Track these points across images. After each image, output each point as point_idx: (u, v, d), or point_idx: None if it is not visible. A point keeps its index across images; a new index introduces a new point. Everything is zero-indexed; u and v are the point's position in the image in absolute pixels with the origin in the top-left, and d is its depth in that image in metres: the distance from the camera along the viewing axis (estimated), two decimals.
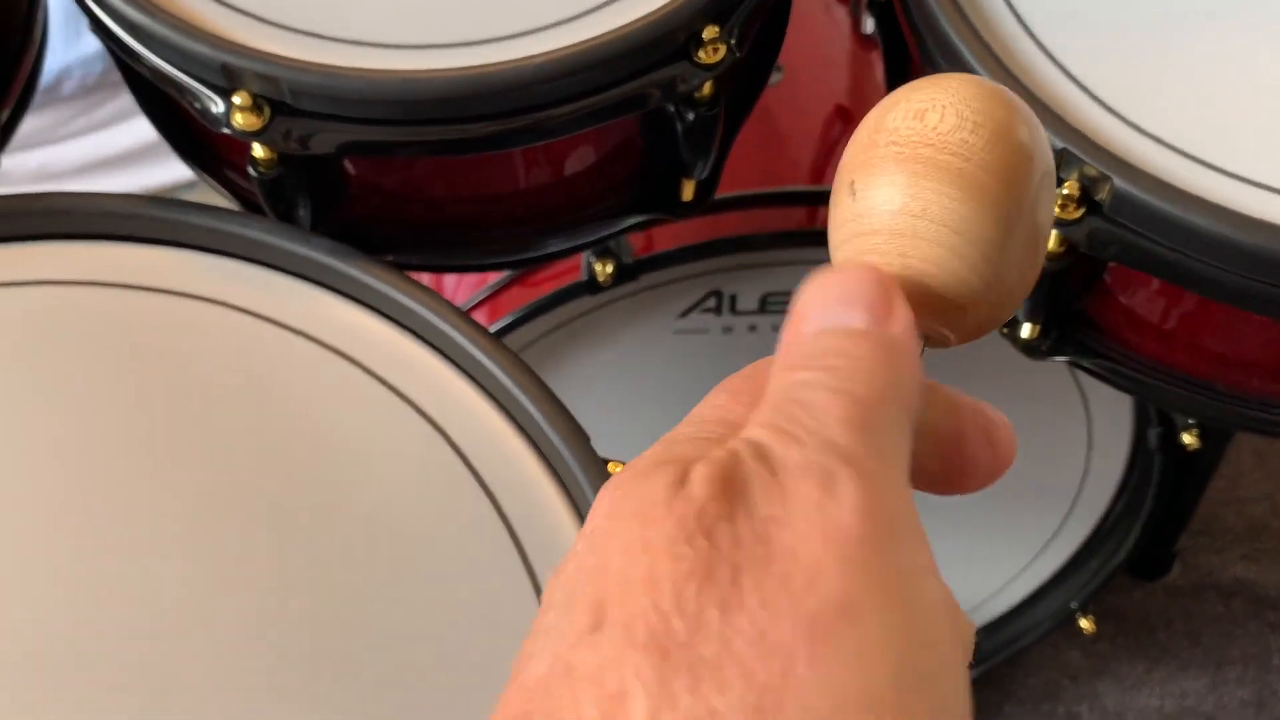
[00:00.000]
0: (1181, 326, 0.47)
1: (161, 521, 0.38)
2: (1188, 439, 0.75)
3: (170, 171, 0.96)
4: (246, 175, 0.44)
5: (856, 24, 0.80)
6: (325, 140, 0.41)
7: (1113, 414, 0.77)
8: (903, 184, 0.22)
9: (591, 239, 0.54)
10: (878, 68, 0.56)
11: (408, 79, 0.40)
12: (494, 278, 0.73)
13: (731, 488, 0.17)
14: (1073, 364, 0.50)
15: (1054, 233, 0.42)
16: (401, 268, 0.50)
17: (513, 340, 0.73)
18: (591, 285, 0.66)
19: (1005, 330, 0.49)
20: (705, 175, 0.50)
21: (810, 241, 0.69)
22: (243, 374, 0.41)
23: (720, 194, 0.70)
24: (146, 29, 0.42)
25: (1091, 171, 0.40)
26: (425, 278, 0.79)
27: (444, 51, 0.42)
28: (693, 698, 0.15)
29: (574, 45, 0.41)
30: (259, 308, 0.42)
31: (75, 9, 0.47)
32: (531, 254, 0.54)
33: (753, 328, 0.72)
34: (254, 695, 0.34)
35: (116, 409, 0.40)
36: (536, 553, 0.37)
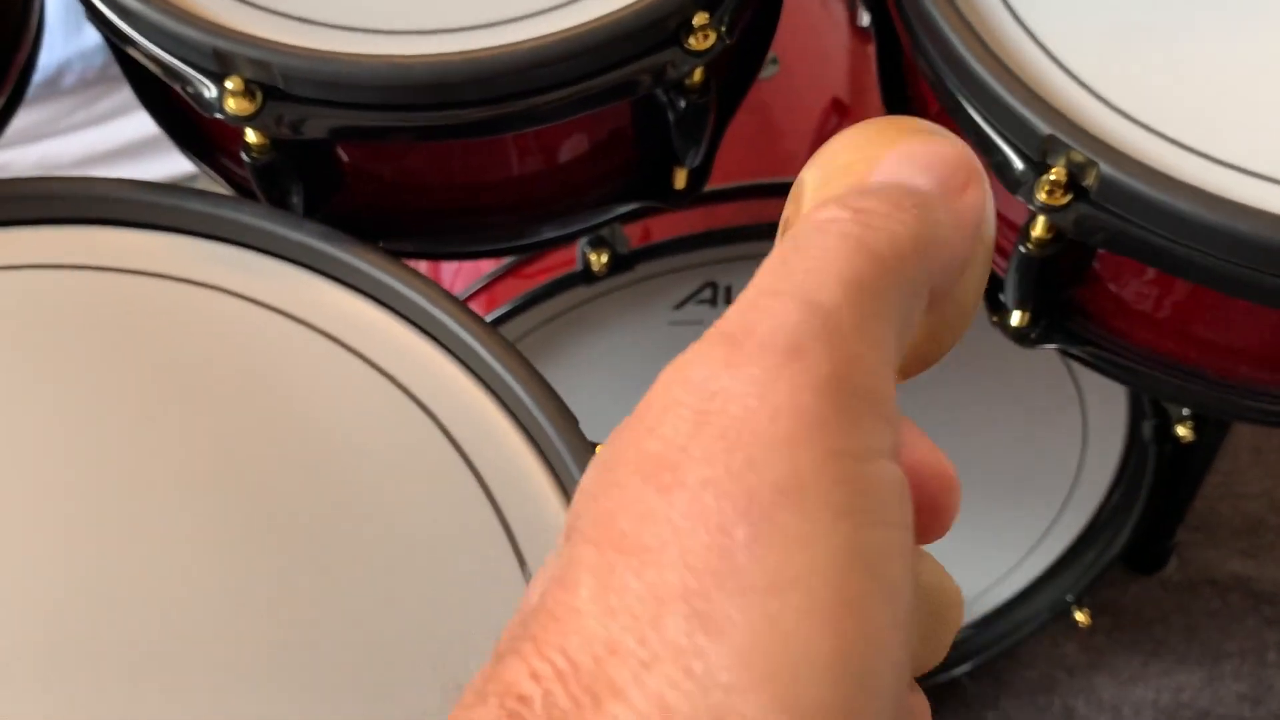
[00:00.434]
0: (1171, 314, 0.47)
1: (153, 505, 0.38)
2: (1182, 431, 0.75)
3: (170, 165, 0.96)
4: (242, 163, 0.44)
5: (853, 17, 0.80)
6: (317, 125, 0.42)
7: (1107, 406, 0.78)
8: None
9: (585, 226, 0.54)
10: (874, 60, 0.56)
11: (399, 64, 0.41)
12: (490, 268, 0.74)
13: (680, 372, 0.16)
14: (1062, 352, 0.50)
15: (1042, 219, 0.43)
16: (396, 255, 0.51)
17: (509, 330, 0.73)
18: (587, 275, 0.67)
19: (995, 318, 0.50)
20: (697, 164, 0.50)
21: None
22: (235, 358, 0.41)
23: (716, 185, 0.70)
24: (140, 14, 0.42)
25: (1078, 157, 0.41)
26: (423, 267, 0.80)
27: (436, 37, 0.42)
28: (639, 581, 0.15)
29: (565, 30, 0.41)
30: (252, 292, 0.42)
31: (75, 3, 0.47)
32: (526, 241, 0.55)
33: None
34: (242, 677, 0.35)
35: (109, 393, 0.40)
36: (524, 535, 0.37)
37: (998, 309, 0.49)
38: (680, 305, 0.73)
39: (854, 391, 0.16)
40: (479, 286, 0.75)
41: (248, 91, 0.41)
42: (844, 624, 0.15)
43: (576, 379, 0.77)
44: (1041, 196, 0.41)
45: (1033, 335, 0.49)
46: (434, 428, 0.39)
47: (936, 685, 0.90)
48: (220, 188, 0.51)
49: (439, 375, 0.41)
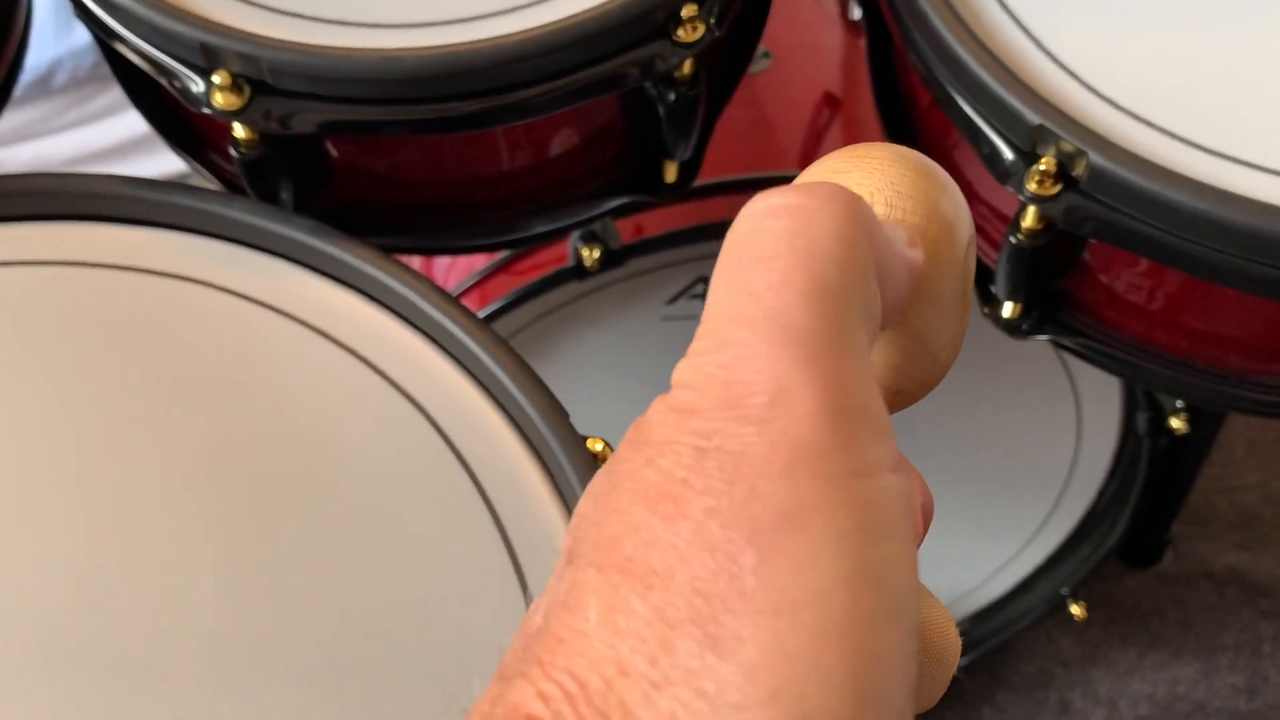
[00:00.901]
0: (1163, 304, 0.47)
1: (142, 502, 0.38)
2: (1176, 423, 0.75)
3: (163, 163, 0.96)
4: (231, 159, 0.44)
5: (845, 10, 0.80)
6: (306, 120, 0.42)
7: (1101, 399, 0.78)
8: None
9: (576, 221, 0.54)
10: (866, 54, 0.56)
11: (387, 57, 0.41)
12: (482, 264, 0.74)
13: (679, 414, 0.17)
14: (1054, 343, 0.50)
15: (1032, 209, 0.43)
16: (388, 250, 0.51)
17: (501, 326, 0.73)
18: (578, 271, 0.67)
19: (987, 310, 0.49)
20: (688, 157, 0.50)
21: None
22: (226, 355, 0.41)
23: (708, 179, 0.70)
24: (127, 9, 0.42)
25: (1068, 147, 0.41)
26: (415, 263, 0.80)
27: (424, 30, 0.42)
28: (645, 604, 0.15)
29: (553, 23, 0.41)
30: (242, 288, 0.42)
31: (65, 2, 0.47)
32: (517, 235, 0.54)
33: None
34: (232, 671, 0.35)
35: (100, 389, 0.40)
36: (516, 529, 0.37)
37: (989, 301, 0.49)
38: (673, 300, 0.73)
39: (845, 411, 0.16)
40: (471, 283, 0.75)
41: (235, 86, 0.41)
42: (853, 641, 0.15)
43: (570, 374, 0.77)
44: (1031, 187, 0.41)
45: (1024, 327, 0.49)
46: (425, 423, 0.39)
47: None
48: (211, 185, 0.51)
49: (430, 371, 0.41)
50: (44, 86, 0.97)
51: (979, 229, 0.51)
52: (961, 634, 0.93)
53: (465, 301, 0.75)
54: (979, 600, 0.88)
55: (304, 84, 0.41)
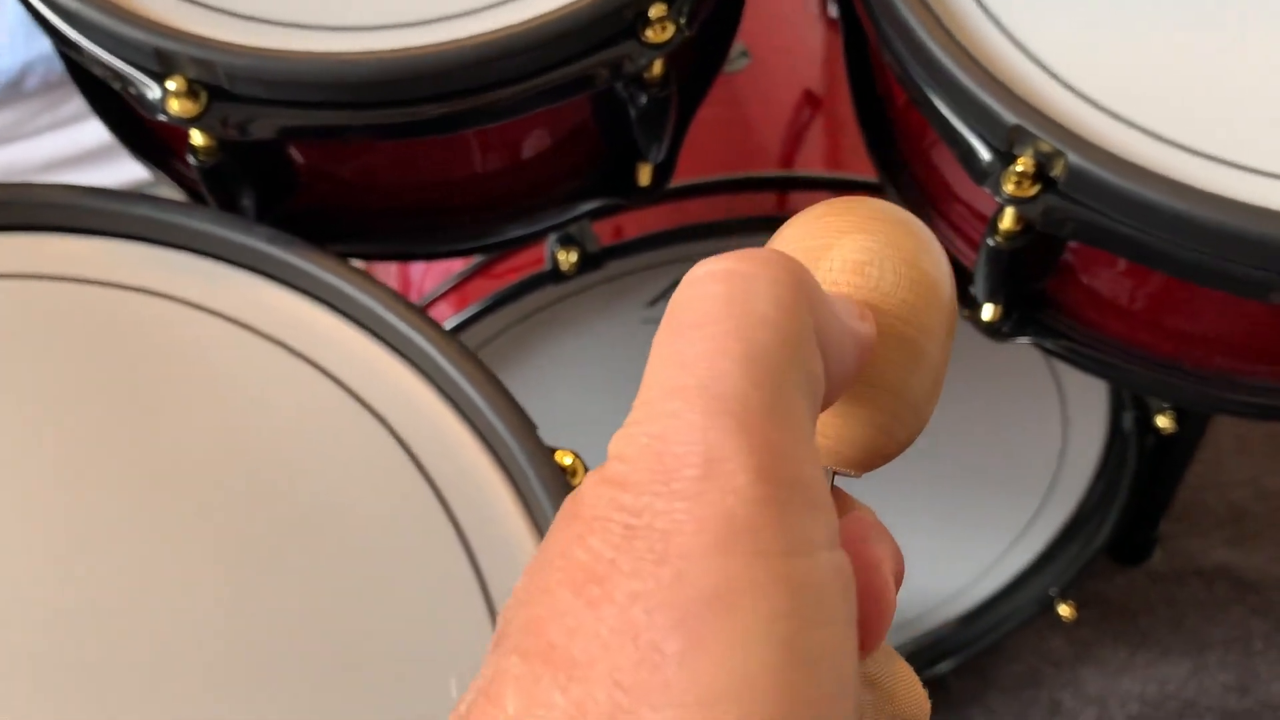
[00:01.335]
0: (1144, 305, 0.46)
1: (100, 516, 0.37)
2: (1163, 422, 0.75)
3: (139, 168, 0.95)
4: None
5: (825, 7, 0.79)
6: (265, 125, 0.41)
7: (1088, 398, 0.77)
8: None
9: (551, 224, 0.53)
10: None
11: (347, 61, 0.40)
12: (460, 267, 0.73)
13: (611, 487, 0.16)
14: (1036, 345, 0.49)
15: (1010, 211, 0.42)
16: (360, 256, 0.49)
17: (480, 330, 0.72)
18: (555, 274, 0.66)
19: (967, 313, 0.49)
20: (662, 159, 0.49)
21: (779, 227, 0.68)
22: (185, 367, 0.40)
23: (687, 180, 0.69)
24: (79, 14, 0.41)
25: (1045, 147, 0.40)
26: (392, 266, 0.78)
27: (386, 32, 0.41)
28: (565, 697, 0.15)
29: (516, 25, 0.40)
30: (201, 299, 0.41)
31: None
32: (491, 240, 0.53)
33: None
34: (189, 686, 0.34)
35: (56, 403, 0.39)
36: (480, 542, 0.36)
37: (969, 303, 0.48)
38: (654, 302, 0.72)
39: (779, 484, 0.16)
40: (449, 286, 0.74)
41: (191, 92, 0.40)
42: None
43: (551, 378, 0.76)
44: (1009, 188, 0.40)
45: (1005, 329, 0.48)
46: (388, 436, 0.38)
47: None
48: (175, 193, 0.50)
49: (394, 382, 0.40)
50: (16, 90, 0.95)
51: (957, 229, 0.50)
52: (950, 636, 0.92)
53: (443, 305, 0.74)
54: (967, 602, 0.88)
55: (262, 89, 0.40)
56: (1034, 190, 0.40)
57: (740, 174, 0.70)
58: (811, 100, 0.77)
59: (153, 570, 0.36)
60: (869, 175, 0.56)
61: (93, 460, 0.38)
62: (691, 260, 0.64)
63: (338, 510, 0.37)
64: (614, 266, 0.68)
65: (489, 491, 0.37)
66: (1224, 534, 1.07)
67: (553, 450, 0.38)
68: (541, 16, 0.41)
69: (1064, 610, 0.88)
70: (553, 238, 0.64)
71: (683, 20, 0.43)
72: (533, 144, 0.49)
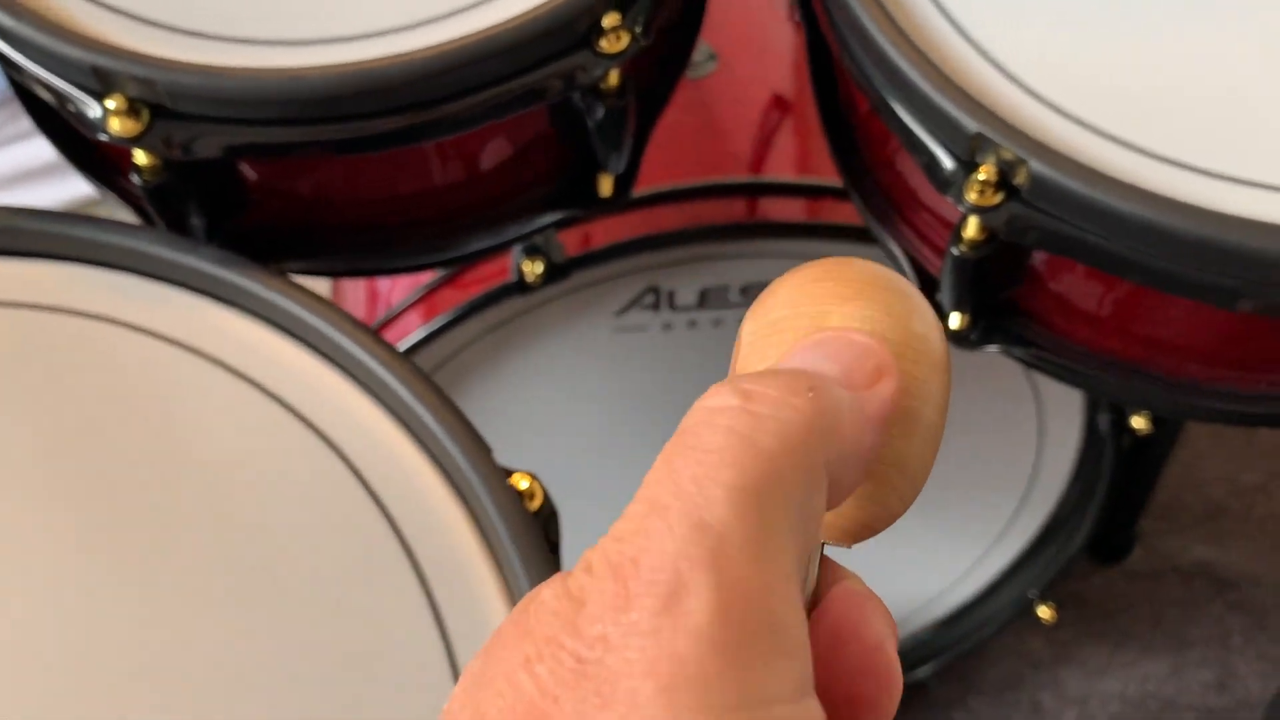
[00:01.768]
0: (1112, 312, 0.46)
1: (42, 540, 0.36)
2: (1138, 423, 0.74)
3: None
4: None
5: (794, 10, 0.78)
6: (209, 144, 0.39)
7: (1063, 401, 0.76)
8: None
9: (513, 237, 0.52)
10: None
11: (293, 77, 0.38)
12: (428, 277, 0.72)
13: (570, 604, 0.15)
14: (1004, 353, 0.48)
15: (973, 220, 0.41)
16: (321, 274, 0.48)
17: (449, 340, 0.71)
18: (521, 286, 0.65)
19: None
20: (622, 169, 0.49)
21: (749, 234, 0.68)
22: (131, 392, 0.39)
23: (656, 187, 0.68)
24: (14, 32, 0.39)
25: (1008, 155, 0.39)
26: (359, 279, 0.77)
27: (331, 46, 0.40)
28: None
29: (466, 37, 0.39)
30: (147, 323, 0.40)
31: None
32: (452, 254, 0.52)
33: (692, 323, 0.71)
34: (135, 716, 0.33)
35: None
36: (434, 570, 0.35)
37: (935, 311, 0.47)
38: (623, 311, 0.71)
39: (743, 627, 0.15)
40: (417, 297, 0.73)
41: (132, 110, 0.38)
42: None
43: (522, 387, 0.75)
44: (972, 196, 0.40)
45: (972, 338, 0.48)
46: (339, 461, 0.37)
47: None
48: (125, 211, 0.49)
49: (345, 406, 0.38)
50: None
51: (923, 237, 0.50)
52: (928, 641, 0.92)
53: (412, 315, 0.73)
54: (945, 606, 0.87)
55: (205, 107, 0.39)
56: (997, 199, 0.40)
57: (708, 180, 0.69)
58: (780, 104, 0.76)
59: (95, 600, 0.35)
60: (839, 180, 0.55)
61: (32, 487, 0.37)
62: (661, 268, 0.62)
63: (287, 538, 0.36)
64: (581, 277, 0.67)
65: (443, 517, 0.36)
66: (1202, 531, 1.07)
67: (508, 473, 0.37)
68: (492, 28, 0.40)
69: (1043, 612, 0.87)
70: (518, 249, 0.63)
71: (638, 29, 0.42)
72: (490, 156, 0.48)
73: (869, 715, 0.17)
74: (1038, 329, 0.48)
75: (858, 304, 0.20)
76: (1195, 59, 0.42)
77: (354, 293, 0.78)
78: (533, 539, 0.35)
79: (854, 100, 0.50)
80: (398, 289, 0.74)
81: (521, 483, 0.36)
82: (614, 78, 0.42)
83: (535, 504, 0.36)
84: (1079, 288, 0.46)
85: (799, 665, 0.15)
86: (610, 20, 0.41)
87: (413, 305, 0.73)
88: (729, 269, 0.69)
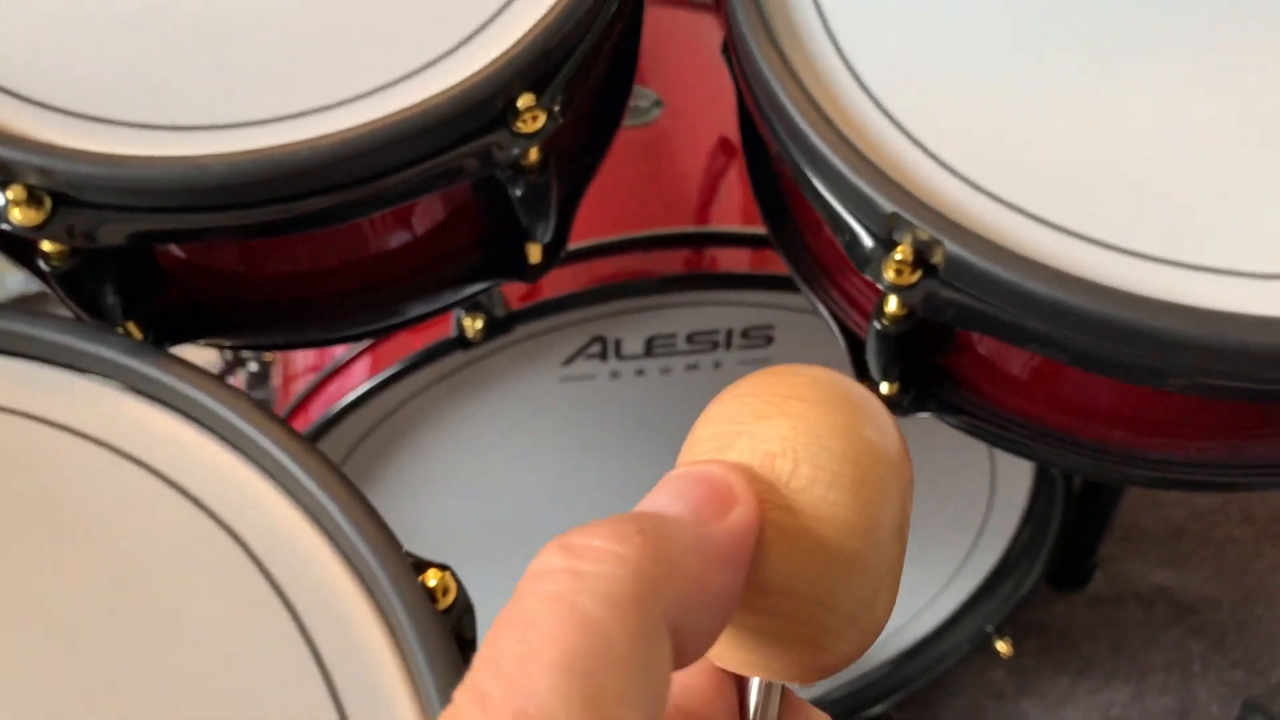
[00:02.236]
0: (1039, 380, 0.45)
1: None
2: None
3: None
4: None
5: None
6: (114, 231, 0.39)
7: None
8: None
9: (446, 304, 0.51)
10: None
11: (197, 165, 0.38)
12: None
13: None
14: (937, 418, 0.48)
15: (893, 297, 0.41)
16: (252, 349, 0.47)
17: (395, 392, 0.70)
18: (463, 342, 0.64)
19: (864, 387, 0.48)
20: (549, 239, 0.48)
21: (694, 285, 0.67)
22: (24, 481, 0.38)
23: (600, 239, 0.68)
24: None
25: (924, 235, 0.39)
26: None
27: (237, 131, 0.39)
28: None
29: (371, 122, 0.39)
30: (45, 412, 0.39)
31: None
32: (389, 322, 0.52)
33: (640, 372, 0.70)
34: None
35: None
36: (339, 670, 0.35)
37: (865, 377, 0.47)
38: (570, 360, 0.71)
39: None
40: (362, 348, 0.72)
41: (34, 200, 0.38)
42: None
43: (471, 436, 0.75)
44: (889, 275, 0.39)
45: (904, 404, 0.47)
46: (244, 556, 0.37)
47: None
48: (45, 288, 0.48)
49: (252, 497, 0.38)
50: None
51: (853, 301, 0.50)
52: (889, 674, 0.91)
53: (359, 367, 0.72)
54: (901, 642, 0.87)
55: (108, 195, 0.38)
56: (915, 277, 0.39)
57: (653, 231, 0.68)
58: (728, 147, 0.76)
59: None
60: None
61: None
62: (606, 318, 0.61)
63: (189, 632, 0.35)
64: (524, 329, 0.66)
65: (351, 614, 0.36)
66: (1161, 554, 1.07)
67: (421, 567, 0.36)
68: (403, 111, 0.39)
69: (1001, 647, 0.87)
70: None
71: (556, 109, 0.41)
72: (416, 227, 0.47)
73: None
74: (967, 395, 0.47)
75: (779, 421, 0.18)
76: (1113, 133, 0.42)
77: None
78: (440, 638, 0.34)
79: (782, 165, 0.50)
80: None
81: (431, 580, 0.36)
82: (534, 154, 0.42)
83: (447, 600, 0.36)
84: (1005, 355, 0.45)
85: None
86: (525, 101, 0.40)
87: (358, 356, 0.72)
88: (675, 317, 0.68)
